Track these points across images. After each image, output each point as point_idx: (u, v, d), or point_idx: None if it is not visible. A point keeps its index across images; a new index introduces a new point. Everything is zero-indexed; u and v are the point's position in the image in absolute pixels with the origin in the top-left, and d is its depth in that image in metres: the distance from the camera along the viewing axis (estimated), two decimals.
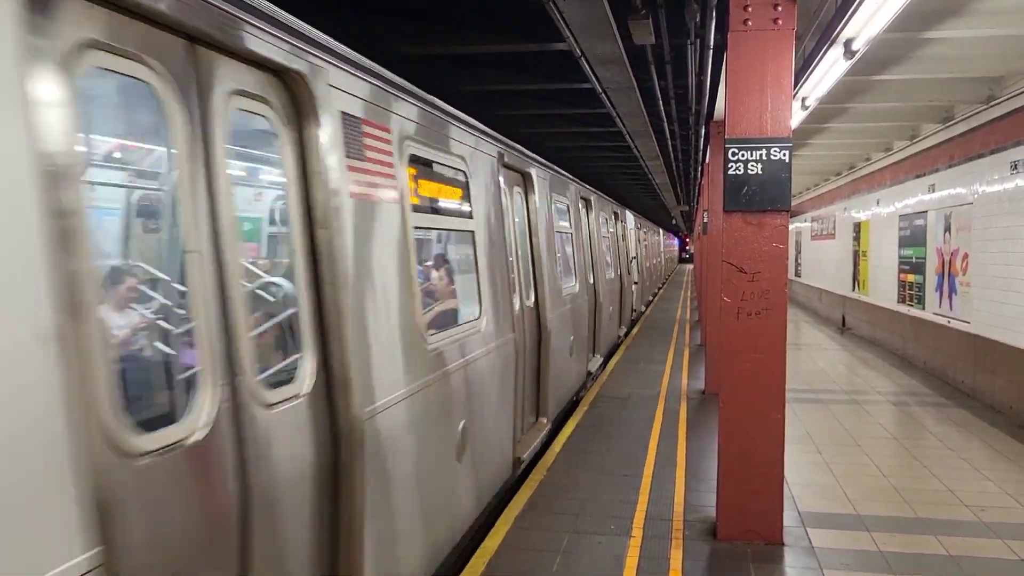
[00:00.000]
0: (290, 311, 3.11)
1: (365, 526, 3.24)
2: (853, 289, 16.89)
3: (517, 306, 6.44)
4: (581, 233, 10.42)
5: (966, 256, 10.06)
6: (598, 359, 11.09)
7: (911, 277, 12.54)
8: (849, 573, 4.67)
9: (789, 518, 5.32)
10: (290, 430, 2.88)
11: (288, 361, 3.06)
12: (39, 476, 1.77)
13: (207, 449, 2.39)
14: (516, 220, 6.93)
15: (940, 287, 11.12)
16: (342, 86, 3.34)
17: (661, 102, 9.46)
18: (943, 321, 10.97)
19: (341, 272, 3.18)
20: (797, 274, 24.90)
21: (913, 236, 12.42)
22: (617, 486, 6.20)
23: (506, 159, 6.41)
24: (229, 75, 2.66)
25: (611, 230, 14.35)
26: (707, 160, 11.81)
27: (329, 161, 3.13)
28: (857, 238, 16.54)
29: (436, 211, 4.79)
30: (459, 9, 6.86)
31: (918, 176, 12.22)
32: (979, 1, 6.35)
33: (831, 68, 6.71)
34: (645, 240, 24.29)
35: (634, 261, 17.91)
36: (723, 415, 5.07)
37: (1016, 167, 8.58)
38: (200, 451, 2.36)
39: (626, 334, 15.88)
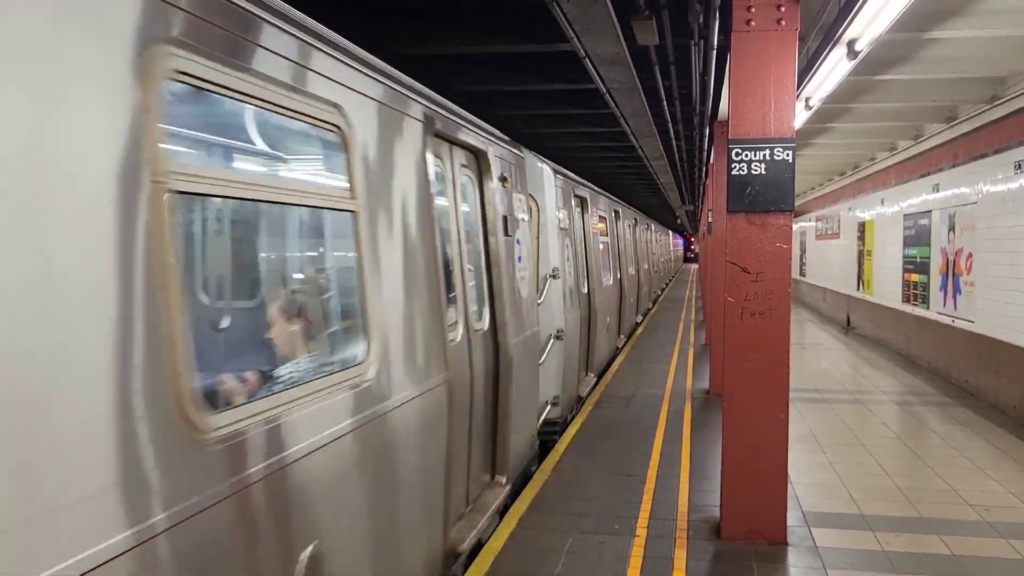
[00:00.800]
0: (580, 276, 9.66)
1: (597, 336, 10.30)
2: (857, 289, 16.87)
3: (613, 278, 12.98)
4: (636, 239, 17.81)
5: (970, 256, 10.05)
6: (639, 318, 18.01)
7: (915, 277, 12.52)
8: (853, 573, 4.68)
9: (793, 518, 5.33)
10: (606, 296, 11.34)
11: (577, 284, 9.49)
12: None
13: (615, 290, 12.89)
14: (616, 235, 13.74)
15: (944, 287, 11.11)
16: (598, 203, 11.76)
17: (665, 102, 9.45)
18: (947, 321, 10.96)
19: (593, 259, 10.34)
20: (802, 273, 24.87)
21: (917, 236, 12.40)
22: (621, 486, 6.21)
23: (615, 208, 13.88)
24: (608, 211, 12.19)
25: (645, 237, 21.43)
26: (711, 160, 11.82)
27: (593, 225, 10.86)
28: (861, 238, 16.52)
29: (603, 234, 11.84)
30: (459, 9, 6.86)
31: (922, 176, 12.21)
32: (982, 1, 6.34)
33: (834, 68, 6.71)
34: (660, 241, 32.17)
35: (654, 255, 24.85)
36: (727, 415, 5.08)
37: (1020, 167, 8.57)
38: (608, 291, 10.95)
39: (650, 309, 22.49)
